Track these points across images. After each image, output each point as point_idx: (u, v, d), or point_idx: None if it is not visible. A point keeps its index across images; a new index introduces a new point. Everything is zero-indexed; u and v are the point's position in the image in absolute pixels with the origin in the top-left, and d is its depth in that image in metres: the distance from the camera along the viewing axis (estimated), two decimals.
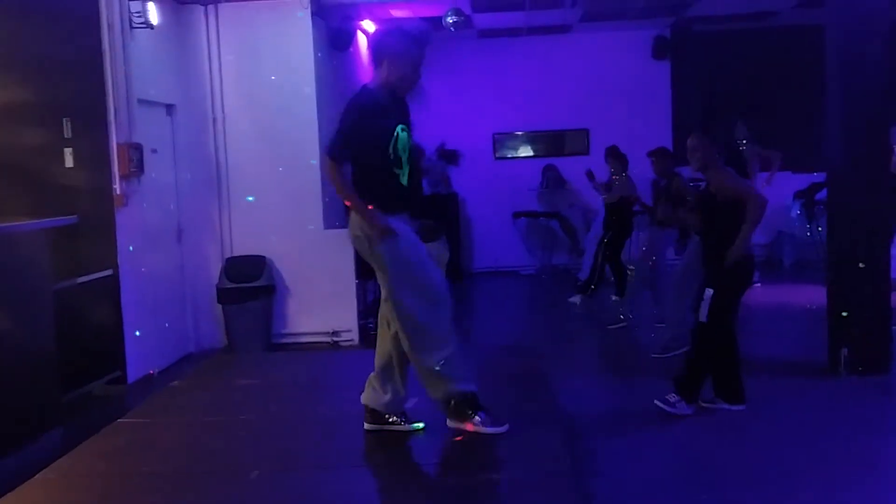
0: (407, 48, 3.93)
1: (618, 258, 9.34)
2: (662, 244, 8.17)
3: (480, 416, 4.02)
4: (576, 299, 9.66)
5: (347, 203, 3.90)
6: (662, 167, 8.47)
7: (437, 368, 3.94)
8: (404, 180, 3.95)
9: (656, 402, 5.39)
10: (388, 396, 4.12)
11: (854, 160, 6.12)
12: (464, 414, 4.01)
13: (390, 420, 4.13)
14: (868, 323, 6.14)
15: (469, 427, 4.00)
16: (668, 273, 7.82)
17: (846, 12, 6.12)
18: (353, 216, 3.96)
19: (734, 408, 5.41)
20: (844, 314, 6.17)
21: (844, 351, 6.16)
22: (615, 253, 9.34)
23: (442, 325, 3.97)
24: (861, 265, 6.08)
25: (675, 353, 6.73)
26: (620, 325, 8.30)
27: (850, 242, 6.18)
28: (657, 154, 8.54)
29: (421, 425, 4.14)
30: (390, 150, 3.87)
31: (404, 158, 3.92)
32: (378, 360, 4.18)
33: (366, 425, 4.16)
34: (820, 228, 10.19)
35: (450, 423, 4.07)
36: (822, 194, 9.41)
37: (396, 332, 4.04)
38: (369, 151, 3.84)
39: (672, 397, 5.38)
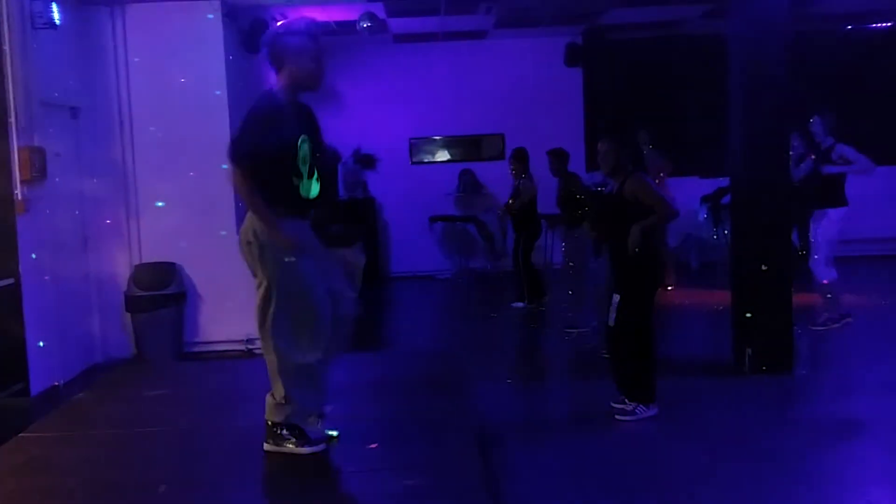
0: (304, 44, 3.84)
1: (528, 262, 9.44)
2: (581, 248, 8.27)
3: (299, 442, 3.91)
4: (519, 305, 9.53)
5: (255, 212, 3.78)
6: (557, 166, 8.64)
7: (287, 394, 3.87)
8: (304, 191, 3.89)
9: (617, 415, 5.43)
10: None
11: (756, 166, 6.34)
12: (281, 440, 3.93)
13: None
14: (771, 324, 6.37)
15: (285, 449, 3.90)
16: (589, 276, 7.95)
17: (748, 23, 6.33)
18: (248, 222, 3.84)
19: (648, 409, 5.46)
20: (748, 315, 6.38)
21: (749, 351, 6.37)
22: (526, 256, 9.44)
23: (305, 354, 3.90)
24: (764, 268, 6.30)
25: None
26: (580, 330, 8.02)
27: (753, 246, 6.40)
28: (553, 154, 8.71)
29: (335, 433, 4.10)
30: (293, 162, 3.81)
31: (304, 170, 3.87)
32: None
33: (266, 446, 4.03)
34: (726, 232, 10.50)
35: (267, 446, 3.95)
36: (728, 198, 9.70)
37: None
38: (271, 161, 3.73)
39: (628, 405, 5.44)
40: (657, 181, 9.52)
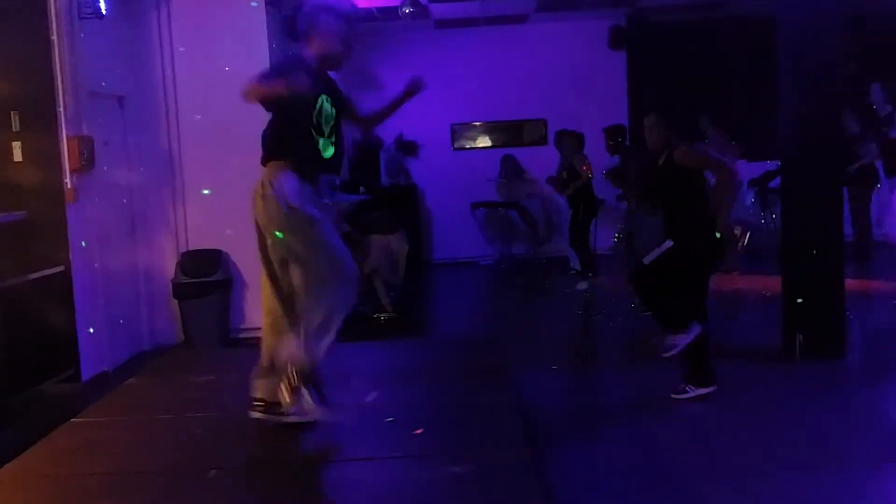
0: (334, 23, 3.91)
1: (585, 242, 9.40)
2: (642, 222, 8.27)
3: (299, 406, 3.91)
4: (582, 285, 9.53)
5: (264, 89, 3.64)
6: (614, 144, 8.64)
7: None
8: (325, 152, 3.91)
9: (673, 395, 5.37)
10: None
11: (807, 149, 6.20)
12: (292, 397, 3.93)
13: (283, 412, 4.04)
14: (822, 309, 6.23)
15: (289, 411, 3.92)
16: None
17: (797, 2, 6.18)
18: (263, 178, 3.91)
19: (705, 390, 5.40)
20: (799, 300, 6.26)
21: (799, 337, 6.25)
22: (582, 236, 9.40)
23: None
24: (815, 252, 6.16)
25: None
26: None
27: (804, 230, 6.27)
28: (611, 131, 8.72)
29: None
30: (313, 115, 3.83)
31: (326, 130, 3.89)
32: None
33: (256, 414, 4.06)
34: (774, 216, 10.32)
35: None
36: (775, 182, 9.54)
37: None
38: (293, 107, 3.74)
39: (681, 385, 5.42)
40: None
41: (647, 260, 5.32)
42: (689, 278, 5.30)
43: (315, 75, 3.87)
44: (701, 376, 5.43)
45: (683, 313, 5.35)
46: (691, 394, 5.40)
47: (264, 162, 3.96)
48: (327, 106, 3.90)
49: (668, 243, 5.26)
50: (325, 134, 3.92)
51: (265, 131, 3.99)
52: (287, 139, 3.86)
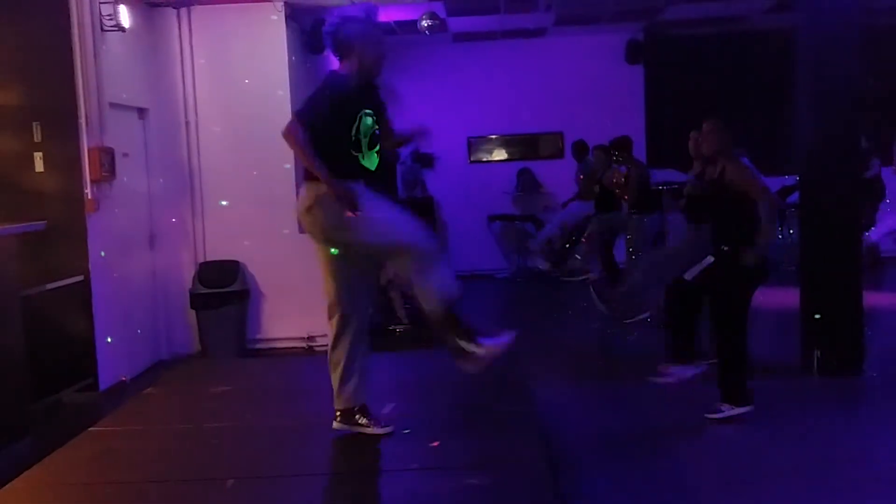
0: (367, 31, 3.92)
1: (611, 255, 9.39)
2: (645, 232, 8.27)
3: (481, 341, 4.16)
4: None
5: (309, 168, 3.80)
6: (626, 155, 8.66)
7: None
8: (370, 165, 3.97)
9: (707, 415, 5.26)
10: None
11: (825, 164, 6.18)
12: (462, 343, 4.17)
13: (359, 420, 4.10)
14: (841, 325, 6.20)
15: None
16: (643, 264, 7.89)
17: (817, 18, 6.18)
18: (307, 194, 3.90)
19: (741, 410, 5.28)
20: (817, 316, 6.22)
21: (817, 353, 6.21)
22: (608, 249, 9.38)
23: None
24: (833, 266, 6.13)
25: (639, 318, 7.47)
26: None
27: (823, 245, 6.24)
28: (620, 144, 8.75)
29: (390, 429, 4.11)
30: (352, 133, 3.87)
31: (364, 142, 3.92)
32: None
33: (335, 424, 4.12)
34: (791, 231, 10.26)
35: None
36: (793, 197, 9.50)
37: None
38: (331, 128, 3.80)
39: (724, 407, 5.28)
40: None
41: (688, 276, 5.22)
42: (731, 296, 5.20)
43: (357, 90, 3.90)
44: (737, 395, 5.28)
45: (739, 385, 5.26)
46: (727, 413, 5.25)
47: (306, 177, 3.94)
48: (368, 120, 3.92)
49: (710, 259, 5.17)
50: (365, 148, 3.94)
51: None
52: (326, 158, 3.82)
